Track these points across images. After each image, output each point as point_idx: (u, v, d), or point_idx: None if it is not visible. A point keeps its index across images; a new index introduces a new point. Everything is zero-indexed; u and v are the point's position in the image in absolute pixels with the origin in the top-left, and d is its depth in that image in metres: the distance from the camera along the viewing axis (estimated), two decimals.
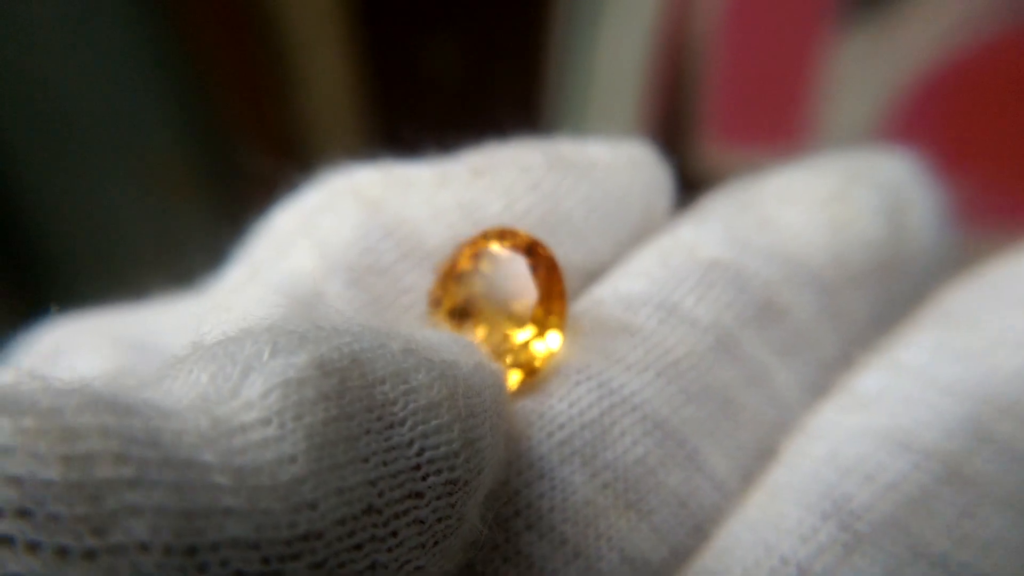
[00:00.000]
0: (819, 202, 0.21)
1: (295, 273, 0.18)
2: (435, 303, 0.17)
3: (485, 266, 0.17)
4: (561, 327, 0.17)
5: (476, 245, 0.17)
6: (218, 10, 0.49)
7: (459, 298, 0.17)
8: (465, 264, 0.17)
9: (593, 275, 0.19)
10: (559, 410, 0.17)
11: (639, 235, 0.21)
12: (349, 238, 0.18)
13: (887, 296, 0.20)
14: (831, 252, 0.20)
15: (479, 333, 0.16)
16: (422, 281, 0.18)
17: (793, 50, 0.47)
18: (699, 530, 0.17)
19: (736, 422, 0.18)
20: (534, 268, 0.17)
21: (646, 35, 0.49)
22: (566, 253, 0.19)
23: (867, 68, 0.46)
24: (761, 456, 0.18)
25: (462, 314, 0.17)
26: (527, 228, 0.19)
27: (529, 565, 0.15)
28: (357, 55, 0.51)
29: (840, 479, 0.15)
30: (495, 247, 0.17)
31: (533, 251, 0.17)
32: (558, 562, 0.16)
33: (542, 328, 0.16)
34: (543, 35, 0.52)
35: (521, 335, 0.17)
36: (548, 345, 0.17)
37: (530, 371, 0.17)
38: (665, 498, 0.17)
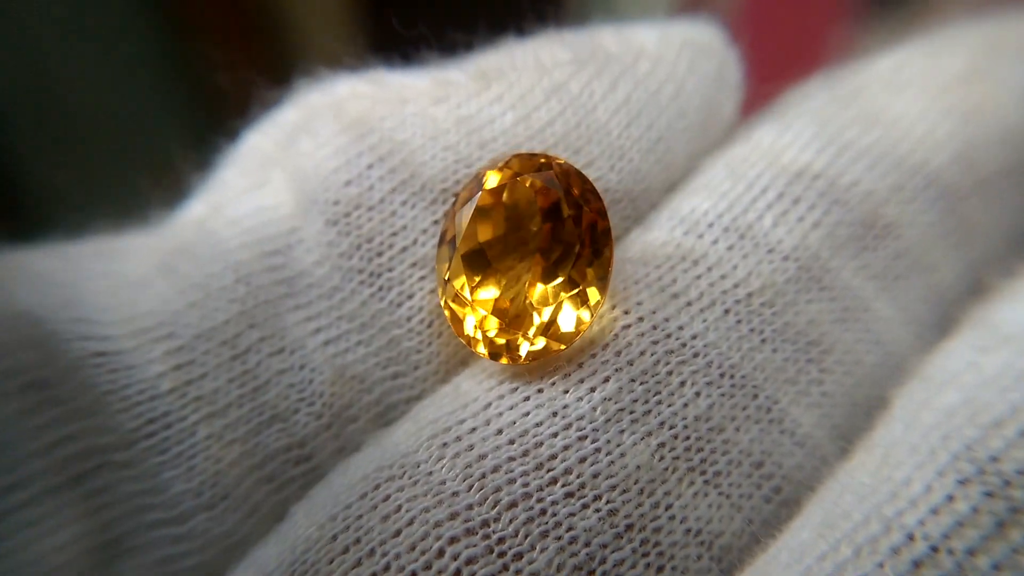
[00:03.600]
0: (943, 84, 0.16)
1: (265, 208, 0.15)
2: (445, 241, 0.14)
3: (509, 200, 0.13)
4: (603, 285, 0.13)
5: (501, 172, 0.13)
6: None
7: (474, 239, 0.13)
8: (485, 197, 0.13)
9: (637, 204, 0.16)
10: (604, 359, 0.13)
11: (698, 148, 0.16)
12: (331, 166, 0.15)
13: None
14: (956, 148, 0.15)
15: (498, 284, 0.13)
16: (420, 218, 0.15)
17: (813, 42, 0.43)
18: (779, 495, 0.13)
19: (822, 367, 0.14)
20: (574, 210, 0.13)
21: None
22: (601, 175, 0.15)
23: None
24: (857, 408, 0.14)
25: (476, 259, 0.13)
26: (548, 145, 0.15)
27: (573, 539, 0.12)
28: None
29: (982, 435, 0.11)
30: (523, 176, 0.13)
31: (574, 186, 0.13)
32: (608, 535, 0.12)
33: (579, 286, 0.13)
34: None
35: (546, 298, 0.13)
36: (583, 309, 0.13)
37: (559, 339, 0.13)
38: (735, 458, 0.13)
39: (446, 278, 0.14)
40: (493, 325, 0.13)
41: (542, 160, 0.14)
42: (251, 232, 0.15)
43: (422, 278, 0.15)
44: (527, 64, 0.15)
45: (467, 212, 0.13)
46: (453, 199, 0.14)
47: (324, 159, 0.15)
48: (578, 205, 0.13)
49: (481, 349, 0.14)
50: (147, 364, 0.14)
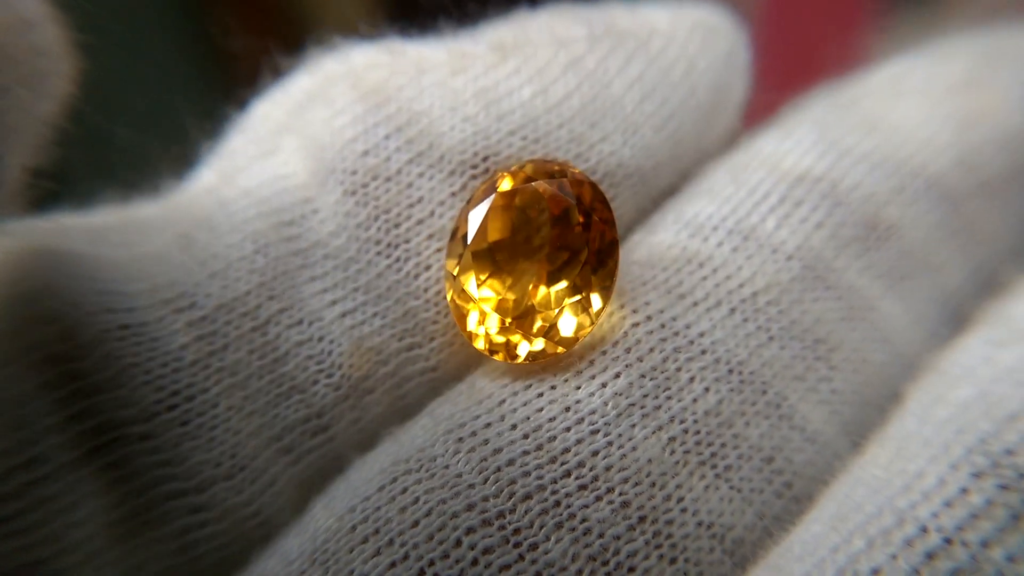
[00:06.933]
0: (943, 91, 0.15)
1: (279, 177, 0.15)
2: (455, 238, 0.13)
3: (521, 203, 0.13)
4: (606, 294, 0.13)
5: (515, 175, 0.13)
6: None
7: (484, 239, 0.13)
8: (498, 199, 0.13)
9: (647, 180, 0.15)
10: (614, 356, 0.13)
11: (706, 129, 0.16)
12: (348, 136, 0.14)
13: None
14: (956, 153, 0.15)
15: (503, 284, 0.13)
16: (438, 190, 0.14)
17: (836, 38, 0.43)
18: (790, 490, 0.13)
19: (830, 364, 0.14)
20: (583, 218, 0.13)
21: None
22: (615, 149, 0.14)
23: None
24: (865, 405, 0.14)
25: (485, 258, 0.13)
26: (564, 118, 0.14)
27: (587, 530, 0.12)
28: None
29: (997, 428, 0.10)
30: (537, 182, 0.13)
31: (586, 195, 0.13)
32: (621, 527, 0.12)
33: (581, 292, 0.13)
34: None
35: (549, 300, 0.13)
36: (584, 315, 0.13)
37: (559, 342, 0.13)
38: (746, 453, 0.13)
39: (454, 273, 0.13)
40: (495, 323, 0.13)
41: (556, 167, 0.13)
42: (266, 202, 0.14)
43: (439, 250, 0.14)
44: (543, 38, 0.15)
45: (479, 212, 0.13)
46: (468, 199, 0.14)
47: (341, 128, 0.14)
48: (588, 214, 0.13)
49: (480, 344, 0.13)
50: (170, 336, 0.13)
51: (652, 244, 0.15)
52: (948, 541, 0.10)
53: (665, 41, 0.15)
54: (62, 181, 0.14)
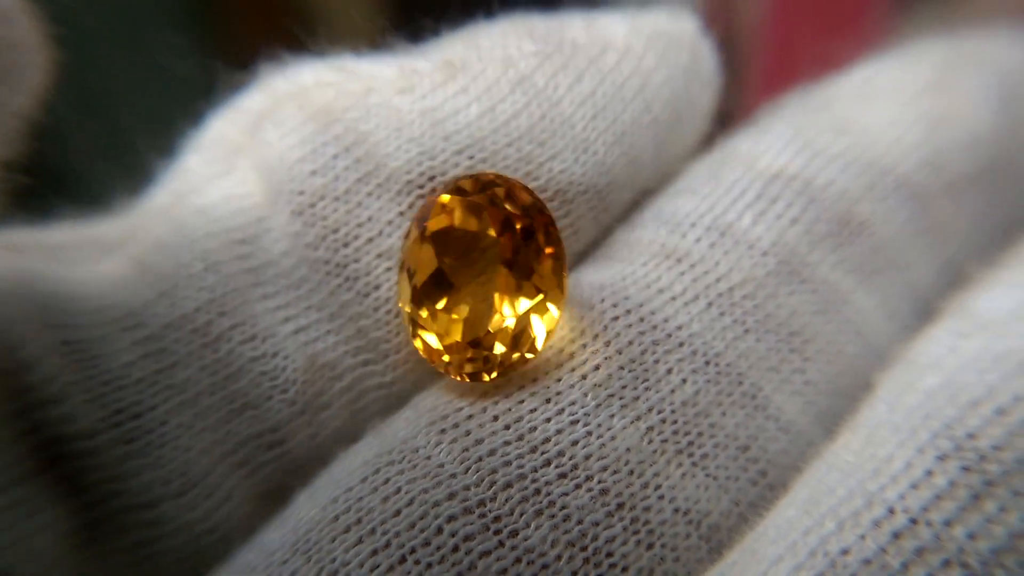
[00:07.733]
0: (912, 94, 0.16)
1: (233, 197, 0.14)
2: (402, 271, 0.13)
3: (463, 219, 0.13)
4: (559, 301, 0.13)
5: (450, 196, 0.13)
6: None
7: (432, 264, 0.13)
8: (438, 222, 0.13)
9: (603, 197, 0.15)
10: (594, 349, 0.13)
11: (666, 143, 0.16)
12: (296, 156, 0.14)
13: (1000, 203, 0.16)
14: (925, 153, 0.15)
15: (461, 310, 0.13)
16: (385, 209, 0.14)
17: (847, 34, 0.43)
18: (765, 478, 0.13)
19: (805, 356, 0.14)
20: (522, 224, 0.12)
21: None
22: (566, 167, 0.14)
23: None
24: (838, 395, 0.14)
25: (438, 282, 0.13)
26: (513, 137, 0.14)
27: (566, 517, 0.12)
28: None
29: (961, 414, 0.11)
30: (472, 197, 0.13)
31: (521, 199, 0.13)
32: (599, 513, 0.12)
33: (535, 298, 0.13)
34: None
35: (509, 312, 0.13)
36: (543, 324, 0.13)
37: (524, 350, 0.13)
38: (722, 442, 0.13)
39: (408, 311, 0.13)
40: (459, 348, 0.13)
41: (487, 179, 0.13)
42: (219, 221, 0.14)
43: (388, 269, 0.14)
44: (493, 55, 0.14)
45: (423, 239, 0.13)
46: (409, 226, 0.14)
47: (289, 148, 0.14)
48: (527, 217, 0.13)
49: (451, 372, 0.13)
50: (115, 354, 0.13)
51: (631, 241, 0.15)
52: (913, 521, 0.10)
53: (619, 56, 0.15)
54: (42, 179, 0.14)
